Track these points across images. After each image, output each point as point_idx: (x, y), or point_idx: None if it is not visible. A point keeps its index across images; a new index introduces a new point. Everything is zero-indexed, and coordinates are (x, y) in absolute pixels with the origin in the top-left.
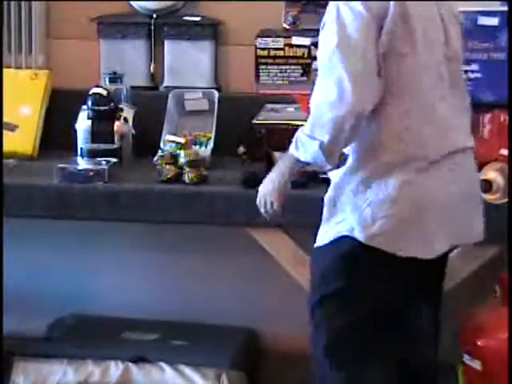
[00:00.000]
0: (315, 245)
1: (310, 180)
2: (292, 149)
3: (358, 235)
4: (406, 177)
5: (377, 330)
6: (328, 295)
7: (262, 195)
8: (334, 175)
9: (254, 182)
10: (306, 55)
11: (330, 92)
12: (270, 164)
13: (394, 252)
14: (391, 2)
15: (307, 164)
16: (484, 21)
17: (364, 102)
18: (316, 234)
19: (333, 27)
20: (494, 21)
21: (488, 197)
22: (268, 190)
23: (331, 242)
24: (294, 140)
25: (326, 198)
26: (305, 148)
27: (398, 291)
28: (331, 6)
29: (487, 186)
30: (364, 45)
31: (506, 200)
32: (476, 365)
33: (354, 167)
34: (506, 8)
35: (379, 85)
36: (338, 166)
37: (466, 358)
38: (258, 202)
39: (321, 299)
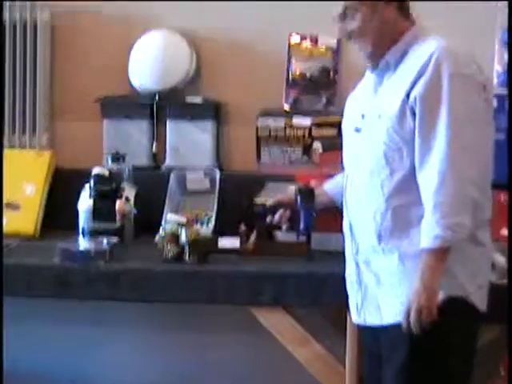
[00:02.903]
0: (400, 320)
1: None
2: (438, 240)
3: (475, 294)
4: (482, 235)
5: None
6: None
7: (417, 307)
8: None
9: None
10: (306, 135)
11: (470, 172)
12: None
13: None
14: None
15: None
16: None
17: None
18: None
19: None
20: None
21: None
22: (423, 299)
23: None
24: (436, 230)
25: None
26: (457, 232)
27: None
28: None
29: None
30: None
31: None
32: None
33: None
34: (504, 91)
35: None
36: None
37: None
38: (413, 315)
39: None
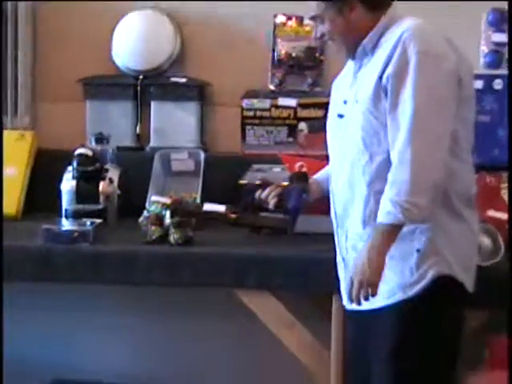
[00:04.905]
0: (390, 302)
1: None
2: (389, 216)
3: (463, 274)
4: (467, 213)
5: None
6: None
7: (359, 280)
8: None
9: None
10: (292, 116)
11: (431, 152)
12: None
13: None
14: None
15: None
16: None
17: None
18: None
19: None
20: (478, 84)
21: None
22: (367, 274)
23: (426, 289)
24: (388, 206)
25: (406, 248)
26: (409, 211)
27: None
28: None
29: None
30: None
31: (493, 261)
32: None
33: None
34: (489, 71)
35: None
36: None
37: None
38: (354, 289)
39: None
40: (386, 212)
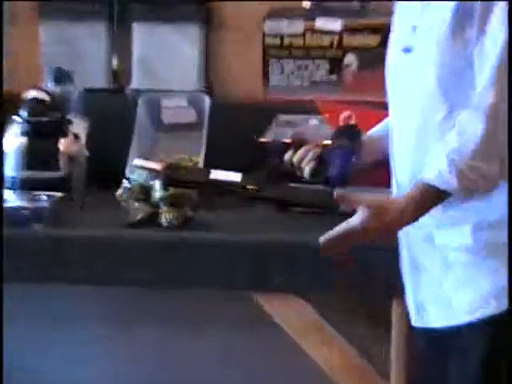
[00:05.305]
0: (478, 316)
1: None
2: (438, 178)
3: None
4: None
5: None
6: None
7: (374, 227)
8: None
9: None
10: (335, 45)
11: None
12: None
13: None
14: None
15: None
16: None
17: None
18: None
19: None
20: None
21: None
22: (389, 227)
23: None
24: (443, 163)
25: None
26: (469, 179)
27: None
28: None
29: None
30: None
31: None
32: None
33: None
34: None
35: None
36: None
37: None
38: (357, 232)
39: None
40: (438, 170)
